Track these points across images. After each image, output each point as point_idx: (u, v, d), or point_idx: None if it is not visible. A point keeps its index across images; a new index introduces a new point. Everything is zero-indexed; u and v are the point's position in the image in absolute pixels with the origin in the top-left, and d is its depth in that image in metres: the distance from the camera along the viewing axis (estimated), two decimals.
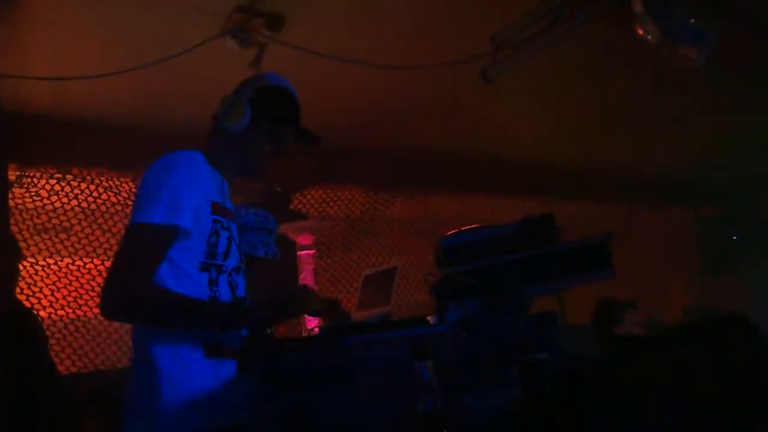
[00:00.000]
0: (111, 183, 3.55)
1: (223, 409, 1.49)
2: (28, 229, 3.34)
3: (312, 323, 2.55)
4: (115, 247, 3.47)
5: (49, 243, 3.41)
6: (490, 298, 1.42)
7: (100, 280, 3.50)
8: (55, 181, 3.42)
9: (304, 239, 3.49)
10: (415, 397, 1.07)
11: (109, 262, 1.56)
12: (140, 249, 1.51)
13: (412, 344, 1.09)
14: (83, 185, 3.48)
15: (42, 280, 3.37)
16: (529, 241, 1.69)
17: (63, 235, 3.45)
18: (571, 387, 0.97)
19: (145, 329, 1.57)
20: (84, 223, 3.49)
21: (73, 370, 3.31)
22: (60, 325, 3.37)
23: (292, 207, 3.90)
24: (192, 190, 1.58)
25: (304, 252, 3.49)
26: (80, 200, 3.48)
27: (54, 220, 3.43)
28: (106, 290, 1.48)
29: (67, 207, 3.46)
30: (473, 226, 1.87)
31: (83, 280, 3.46)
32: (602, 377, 1.03)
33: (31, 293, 3.30)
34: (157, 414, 1.47)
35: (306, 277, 3.44)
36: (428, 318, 1.52)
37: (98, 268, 3.51)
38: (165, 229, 1.52)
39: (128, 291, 1.46)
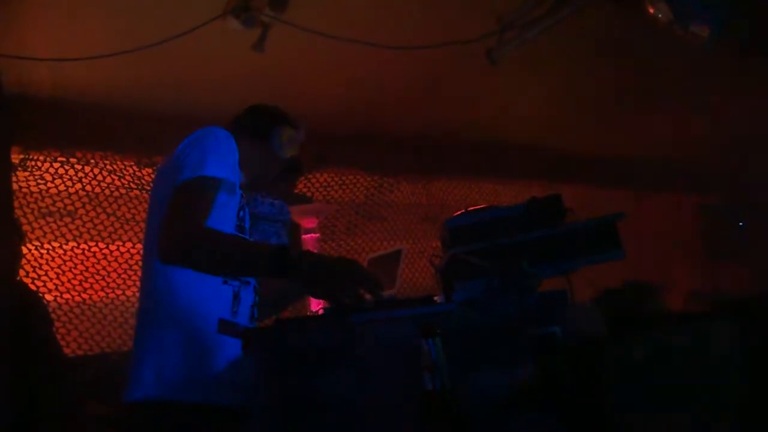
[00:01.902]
0: (115, 166, 3.53)
1: (228, 389, 1.50)
2: (32, 213, 3.33)
3: (316, 305, 2.54)
4: (119, 231, 3.54)
5: (54, 226, 3.40)
6: (497, 278, 1.40)
7: (105, 263, 3.50)
8: (59, 164, 3.40)
9: (308, 222, 3.47)
10: (423, 376, 1.06)
11: (163, 221, 1.55)
12: (193, 197, 1.54)
13: (419, 323, 1.07)
14: (87, 168, 3.46)
15: (47, 264, 3.36)
16: (536, 221, 1.67)
17: (68, 219, 3.44)
18: (586, 361, 0.96)
19: (163, 298, 1.58)
20: (88, 207, 3.48)
21: (79, 352, 3.31)
22: (66, 308, 3.36)
23: (296, 191, 3.88)
24: (231, 160, 1.65)
25: (309, 235, 3.48)
26: (84, 184, 3.46)
27: (58, 204, 3.42)
28: (164, 236, 1.50)
29: (72, 190, 3.45)
30: (479, 206, 1.86)
31: (88, 264, 3.46)
32: (617, 351, 1.01)
33: (36, 276, 3.30)
34: (163, 385, 1.48)
35: None
36: (435, 298, 1.51)
37: (103, 251, 3.51)
38: (214, 180, 1.57)
39: (186, 234, 1.48)
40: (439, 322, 1.11)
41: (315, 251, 3.43)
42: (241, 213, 1.72)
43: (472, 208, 1.84)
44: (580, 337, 1.03)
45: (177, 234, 1.48)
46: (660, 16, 2.27)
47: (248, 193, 1.85)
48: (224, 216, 1.62)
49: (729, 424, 1.09)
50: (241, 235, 1.70)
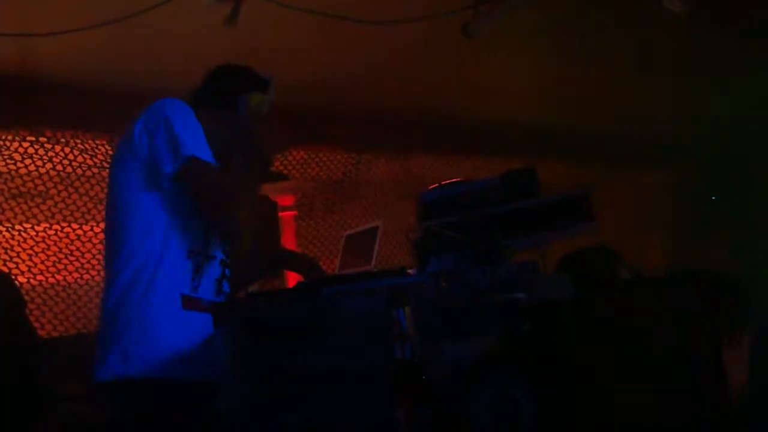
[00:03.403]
0: (86, 145, 3.46)
1: (199, 363, 1.50)
2: (2, 193, 3.27)
3: (294, 282, 2.54)
4: (93, 212, 3.48)
5: (24, 207, 3.33)
6: (470, 250, 1.41)
7: (78, 244, 3.45)
8: (29, 143, 3.33)
9: (285, 200, 3.45)
10: (394, 346, 1.06)
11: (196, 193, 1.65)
12: (210, 167, 1.62)
13: (390, 293, 1.08)
14: (57, 148, 3.39)
15: (19, 245, 3.31)
16: (511, 194, 1.68)
17: (38, 200, 3.38)
18: (549, 325, 0.97)
19: (126, 277, 1.59)
20: (60, 187, 3.42)
21: (55, 334, 3.28)
22: (39, 290, 3.32)
23: (272, 168, 3.85)
24: (200, 132, 1.68)
25: (286, 213, 3.46)
26: (55, 163, 3.39)
27: (29, 184, 3.35)
28: (213, 202, 1.60)
29: (42, 170, 3.38)
30: (454, 180, 1.86)
31: (61, 245, 3.41)
32: (581, 315, 1.03)
33: (8, 258, 3.25)
34: (129, 363, 1.48)
35: (287, 238, 3.42)
36: (409, 271, 1.51)
37: (76, 232, 3.45)
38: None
39: (230, 194, 1.61)
40: (411, 293, 1.11)
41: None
42: None
43: (446, 182, 1.84)
44: (543, 301, 1.04)
45: (224, 198, 1.60)
46: None
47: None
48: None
49: (688, 385, 1.12)
50: None
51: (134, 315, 1.55)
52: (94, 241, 3.46)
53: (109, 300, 1.62)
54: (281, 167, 4.01)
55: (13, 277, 3.13)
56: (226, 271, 1.74)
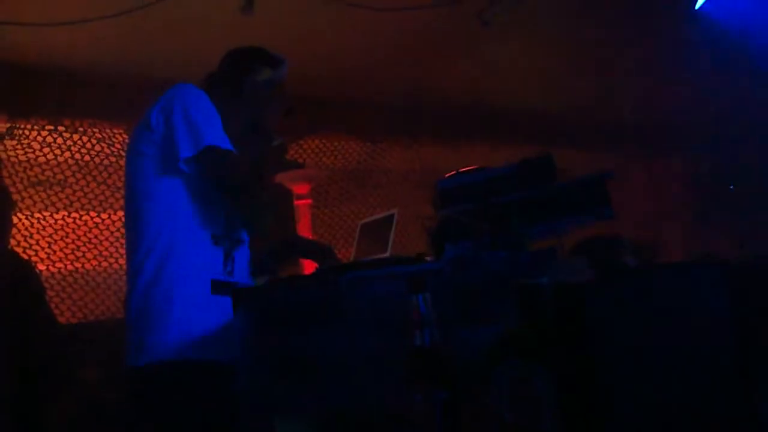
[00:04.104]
0: (104, 134, 3.49)
1: (219, 345, 1.52)
2: (21, 182, 3.30)
3: (310, 270, 2.55)
4: (110, 200, 3.51)
5: (43, 195, 3.37)
6: (487, 237, 1.41)
7: (96, 232, 3.49)
8: (47, 132, 3.36)
9: (300, 188, 3.46)
10: (412, 331, 1.07)
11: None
12: (227, 157, 1.62)
13: (409, 279, 1.08)
14: (76, 137, 3.42)
15: (38, 233, 3.35)
16: (527, 181, 1.67)
17: (57, 188, 3.41)
18: (570, 310, 0.97)
19: (154, 266, 1.61)
20: (78, 175, 3.45)
21: (73, 320, 3.33)
22: (58, 277, 3.36)
23: (288, 157, 3.85)
24: (217, 117, 1.67)
25: (301, 201, 3.47)
26: (73, 152, 3.42)
27: (48, 173, 3.39)
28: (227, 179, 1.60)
29: (60, 159, 3.41)
30: (470, 167, 1.85)
31: (80, 233, 3.45)
32: (602, 299, 1.03)
33: (27, 246, 3.29)
34: (168, 347, 1.51)
35: (303, 227, 3.43)
36: (427, 258, 1.51)
37: (94, 220, 3.49)
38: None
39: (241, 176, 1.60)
40: (429, 278, 1.12)
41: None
42: None
43: (463, 170, 1.84)
44: (563, 286, 1.04)
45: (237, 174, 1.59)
46: None
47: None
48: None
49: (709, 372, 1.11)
50: None
51: (167, 301, 1.56)
52: (112, 229, 3.50)
53: (136, 288, 1.62)
54: (297, 156, 4.02)
55: (33, 263, 3.18)
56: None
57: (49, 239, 3.37)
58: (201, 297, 1.59)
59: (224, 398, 1.39)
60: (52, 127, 3.38)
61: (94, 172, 3.49)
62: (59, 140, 3.40)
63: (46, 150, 3.37)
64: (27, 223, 3.32)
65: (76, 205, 3.45)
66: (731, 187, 5.80)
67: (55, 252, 3.37)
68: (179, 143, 1.58)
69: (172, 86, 1.67)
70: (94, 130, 3.47)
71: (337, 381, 1.19)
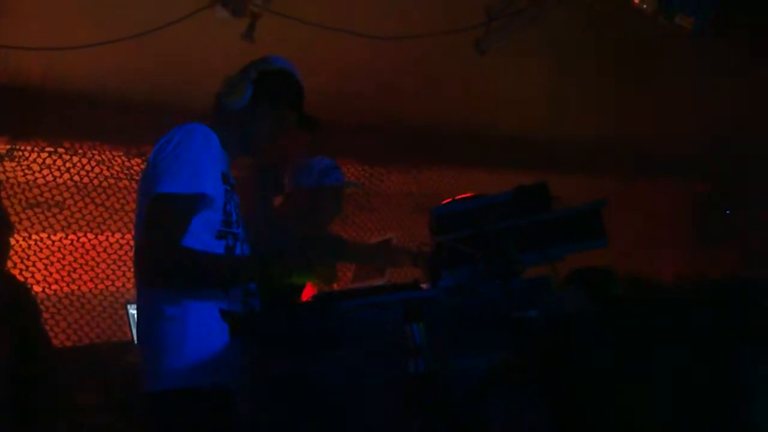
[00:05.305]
0: (103, 157, 3.51)
1: (216, 370, 1.51)
2: (19, 203, 3.31)
3: (308, 296, 2.55)
4: (108, 222, 3.52)
5: (41, 217, 3.38)
6: (482, 264, 1.42)
7: (93, 254, 3.49)
8: (47, 154, 3.38)
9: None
10: (407, 360, 1.07)
11: (142, 234, 1.62)
12: (171, 217, 1.56)
13: (404, 307, 1.09)
14: (75, 159, 3.43)
15: (35, 255, 3.34)
16: (523, 209, 1.69)
17: (55, 210, 3.42)
18: (560, 343, 0.98)
19: (163, 294, 1.59)
20: (77, 197, 3.46)
21: (68, 344, 3.31)
22: (54, 299, 3.35)
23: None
24: (210, 159, 1.65)
25: None
26: (72, 174, 3.43)
27: (46, 194, 3.39)
28: (146, 261, 1.56)
29: (59, 181, 3.42)
30: (467, 195, 1.87)
31: (77, 254, 3.44)
32: (591, 331, 1.03)
33: (24, 267, 3.28)
34: (185, 374, 1.51)
35: None
36: (422, 285, 1.52)
37: (92, 242, 3.49)
38: (190, 198, 1.58)
39: (165, 262, 1.53)
40: (424, 307, 1.12)
41: None
42: (228, 207, 1.70)
43: (459, 197, 1.86)
44: (554, 319, 1.05)
45: (157, 261, 1.53)
46: (645, 6, 2.28)
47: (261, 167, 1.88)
48: (205, 222, 1.63)
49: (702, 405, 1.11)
50: (227, 229, 1.69)
51: (180, 329, 1.56)
52: (109, 251, 3.50)
53: (148, 312, 1.63)
54: None
55: (29, 286, 3.17)
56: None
57: (45, 261, 3.37)
58: (215, 324, 1.57)
59: (232, 424, 1.38)
60: (51, 149, 3.39)
61: (93, 194, 3.50)
62: (59, 162, 3.41)
63: (45, 171, 3.38)
64: (24, 244, 3.32)
65: (74, 226, 3.45)
66: (727, 212, 5.83)
67: (51, 274, 3.37)
68: (156, 177, 1.60)
69: (177, 126, 1.68)
70: (94, 152, 3.49)
71: (334, 408, 1.19)
